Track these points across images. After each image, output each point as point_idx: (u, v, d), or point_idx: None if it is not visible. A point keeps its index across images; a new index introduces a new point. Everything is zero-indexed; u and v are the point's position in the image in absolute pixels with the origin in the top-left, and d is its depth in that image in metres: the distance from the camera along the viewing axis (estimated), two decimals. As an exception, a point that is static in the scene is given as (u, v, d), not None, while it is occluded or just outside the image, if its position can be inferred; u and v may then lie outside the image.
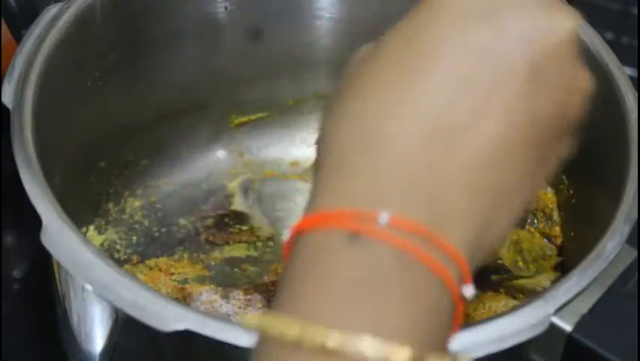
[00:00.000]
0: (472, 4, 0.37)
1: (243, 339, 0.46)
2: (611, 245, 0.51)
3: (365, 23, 0.72)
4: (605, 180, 0.60)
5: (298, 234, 0.36)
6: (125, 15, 0.68)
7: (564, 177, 0.66)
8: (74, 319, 0.58)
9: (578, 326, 0.48)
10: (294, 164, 0.76)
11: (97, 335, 0.56)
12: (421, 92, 0.36)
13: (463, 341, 0.46)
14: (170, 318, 0.47)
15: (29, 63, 0.59)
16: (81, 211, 0.67)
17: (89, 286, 0.49)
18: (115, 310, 0.51)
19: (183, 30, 0.71)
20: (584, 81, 0.40)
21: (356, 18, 0.72)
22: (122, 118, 0.70)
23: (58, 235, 0.51)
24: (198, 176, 0.75)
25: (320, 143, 0.38)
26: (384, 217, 0.34)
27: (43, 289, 0.70)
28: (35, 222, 0.49)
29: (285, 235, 0.36)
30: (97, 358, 0.58)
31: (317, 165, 0.38)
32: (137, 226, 0.71)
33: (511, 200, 0.37)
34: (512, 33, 0.37)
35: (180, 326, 0.47)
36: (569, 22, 0.38)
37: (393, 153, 0.35)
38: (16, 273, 0.73)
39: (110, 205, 0.71)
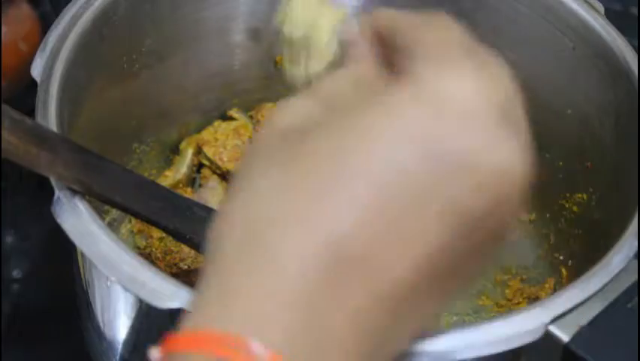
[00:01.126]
0: (413, 125, 0.34)
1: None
2: (618, 259, 0.50)
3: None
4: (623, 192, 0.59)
5: (171, 351, 0.34)
6: (166, 2, 0.69)
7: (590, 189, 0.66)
8: (98, 307, 0.58)
9: (576, 338, 0.47)
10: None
11: (120, 323, 0.57)
12: (330, 212, 0.33)
13: (456, 342, 0.46)
14: (167, 296, 0.48)
15: (62, 39, 0.60)
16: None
17: (113, 277, 0.49)
18: (139, 299, 0.51)
19: (220, 19, 0.71)
20: (514, 214, 0.37)
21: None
22: (154, 104, 0.71)
23: (68, 206, 0.51)
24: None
25: (214, 231, 0.35)
26: (259, 350, 0.32)
27: (43, 289, 0.71)
28: (35, 222, 0.50)
29: (155, 354, 0.35)
30: (120, 346, 0.58)
31: (206, 256, 0.35)
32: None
33: (408, 329, 0.36)
34: (444, 162, 0.34)
35: (175, 305, 0.47)
36: (511, 158, 0.36)
37: (282, 277, 0.33)
38: (16, 273, 0.74)
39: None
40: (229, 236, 0.34)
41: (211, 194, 0.70)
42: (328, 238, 0.33)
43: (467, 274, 0.36)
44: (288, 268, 0.32)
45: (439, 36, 0.36)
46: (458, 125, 0.34)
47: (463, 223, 0.34)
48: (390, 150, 0.33)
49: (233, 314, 0.33)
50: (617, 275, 0.50)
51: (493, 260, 0.37)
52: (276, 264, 0.33)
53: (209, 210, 0.57)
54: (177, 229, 0.55)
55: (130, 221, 0.71)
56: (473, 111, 0.34)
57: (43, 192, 0.53)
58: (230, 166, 0.72)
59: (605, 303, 0.49)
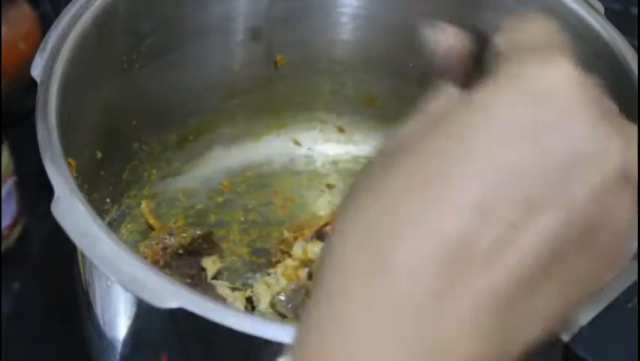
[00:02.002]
0: (514, 120, 0.33)
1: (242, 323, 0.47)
2: (618, 259, 0.50)
3: (389, 20, 0.72)
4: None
5: None
6: (166, 2, 0.69)
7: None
8: (97, 306, 0.58)
9: (576, 338, 0.47)
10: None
11: (120, 323, 0.57)
12: (440, 214, 0.32)
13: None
14: (167, 296, 0.48)
15: (62, 39, 0.60)
16: (103, 191, 0.68)
17: (113, 277, 0.49)
18: (139, 299, 0.51)
19: (220, 19, 0.71)
20: (623, 213, 0.34)
21: (380, 15, 0.72)
22: (154, 104, 0.71)
23: (68, 206, 0.51)
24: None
25: (326, 250, 0.35)
26: None
27: (43, 289, 0.71)
28: (35, 222, 0.50)
29: None
30: (120, 346, 0.58)
31: (317, 273, 0.35)
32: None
33: (532, 326, 0.34)
34: (551, 158, 0.33)
35: (175, 304, 0.47)
36: (618, 153, 0.33)
37: (405, 277, 0.32)
38: (16, 273, 0.74)
39: (133, 190, 0.72)
40: (349, 249, 0.34)
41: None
42: (445, 238, 0.32)
43: (590, 274, 0.35)
44: (404, 280, 0.32)
45: (531, 38, 0.36)
46: (562, 116, 0.33)
47: (577, 218, 0.33)
48: (495, 146, 0.33)
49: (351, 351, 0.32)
50: (617, 275, 0.50)
51: (617, 264, 0.36)
52: (391, 276, 0.32)
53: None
54: None
55: (130, 221, 0.71)
56: (576, 104, 0.33)
57: (43, 192, 0.53)
58: None
59: (605, 303, 0.49)
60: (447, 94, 0.37)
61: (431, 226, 0.32)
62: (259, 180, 0.76)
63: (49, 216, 0.51)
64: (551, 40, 0.36)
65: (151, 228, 0.71)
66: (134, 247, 0.69)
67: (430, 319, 0.32)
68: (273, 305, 0.66)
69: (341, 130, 0.78)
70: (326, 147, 0.78)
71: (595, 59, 0.64)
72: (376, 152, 0.36)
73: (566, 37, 0.36)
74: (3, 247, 0.74)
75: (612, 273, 0.36)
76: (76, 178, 0.54)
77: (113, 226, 0.69)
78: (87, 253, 0.50)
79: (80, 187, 0.53)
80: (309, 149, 0.78)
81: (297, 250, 0.68)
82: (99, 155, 0.66)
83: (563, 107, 0.33)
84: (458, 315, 0.32)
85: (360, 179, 0.36)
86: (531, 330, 0.34)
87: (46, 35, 0.61)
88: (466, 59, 0.38)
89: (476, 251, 0.32)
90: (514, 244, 0.32)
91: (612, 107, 0.35)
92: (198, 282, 0.67)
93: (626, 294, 0.49)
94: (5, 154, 0.72)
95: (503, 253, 0.32)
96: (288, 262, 0.68)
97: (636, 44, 0.64)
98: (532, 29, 0.36)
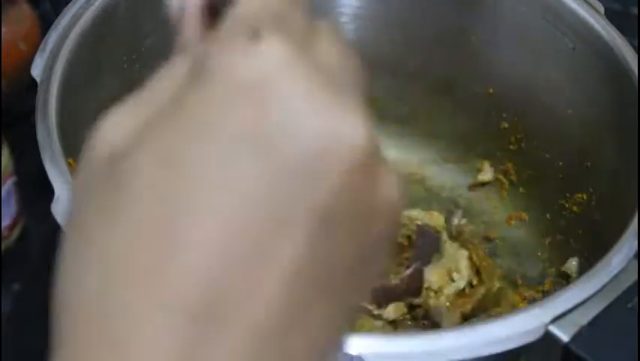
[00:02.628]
0: (232, 129, 0.27)
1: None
2: (618, 259, 0.50)
3: (389, 20, 0.72)
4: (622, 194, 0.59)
5: None
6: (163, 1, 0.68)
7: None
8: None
9: (576, 338, 0.47)
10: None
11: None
12: (174, 269, 0.27)
13: (456, 342, 0.46)
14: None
15: (62, 39, 0.60)
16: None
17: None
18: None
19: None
20: (388, 194, 0.30)
21: (380, 15, 0.72)
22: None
23: (68, 206, 0.51)
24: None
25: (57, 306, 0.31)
26: None
27: (43, 289, 0.71)
28: (35, 222, 0.49)
29: None
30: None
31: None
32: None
33: (309, 347, 0.29)
34: (287, 169, 0.27)
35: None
36: (358, 131, 0.28)
37: (150, 357, 0.27)
38: (16, 273, 0.74)
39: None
40: (68, 328, 0.30)
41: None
42: (182, 305, 0.27)
43: (362, 281, 0.31)
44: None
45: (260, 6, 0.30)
46: (281, 115, 0.28)
47: (327, 222, 0.28)
48: (208, 169, 0.27)
49: None
50: (617, 275, 0.50)
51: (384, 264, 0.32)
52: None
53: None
54: None
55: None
56: (291, 96, 0.28)
57: (43, 192, 0.53)
58: None
59: (605, 303, 0.49)
60: (168, 74, 0.31)
61: (166, 295, 0.27)
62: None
63: (49, 216, 0.51)
64: (279, 12, 0.30)
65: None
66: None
67: None
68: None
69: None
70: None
71: (595, 59, 0.64)
72: (87, 156, 0.30)
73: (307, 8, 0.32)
74: (3, 247, 0.74)
75: (382, 259, 0.31)
76: (77, 178, 0.54)
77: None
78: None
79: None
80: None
81: None
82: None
83: (281, 103, 0.28)
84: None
85: (73, 210, 0.30)
86: (314, 348, 0.29)
87: (46, 35, 0.61)
88: (201, 15, 0.33)
89: (227, 303, 0.27)
90: (269, 279, 0.27)
91: (332, 84, 0.29)
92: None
93: (626, 294, 0.50)
94: (5, 154, 0.72)
95: (259, 294, 0.27)
96: None
97: (636, 44, 0.64)
98: None
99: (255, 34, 0.28)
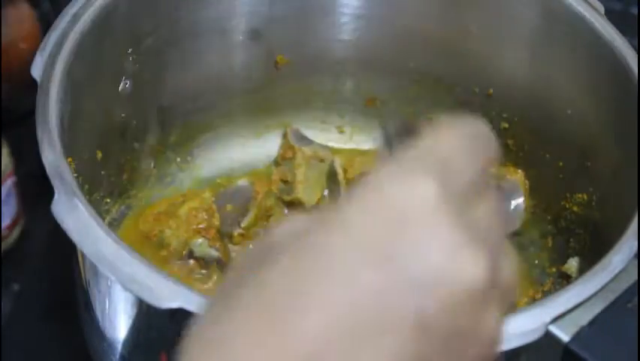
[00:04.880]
0: (372, 241, 0.33)
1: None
2: (618, 259, 0.50)
3: (389, 20, 0.72)
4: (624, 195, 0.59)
5: None
6: (166, 2, 0.69)
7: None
8: (97, 306, 0.59)
9: (576, 338, 0.48)
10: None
11: (120, 323, 0.57)
12: (291, 338, 0.32)
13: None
14: (167, 296, 0.48)
15: (62, 39, 0.60)
16: (106, 193, 0.68)
17: (113, 277, 0.49)
18: (139, 299, 0.51)
19: (220, 19, 0.71)
20: (488, 328, 0.35)
21: (380, 15, 0.72)
22: (154, 104, 0.71)
23: (68, 206, 0.51)
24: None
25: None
26: None
27: (43, 289, 0.71)
28: (35, 222, 0.50)
29: None
30: (120, 346, 0.59)
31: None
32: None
33: None
34: (405, 281, 0.32)
35: (175, 304, 0.47)
36: (474, 270, 0.33)
37: None
38: (16, 273, 0.74)
39: (133, 190, 0.72)
40: None
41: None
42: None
43: None
44: None
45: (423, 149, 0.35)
46: (420, 239, 0.33)
47: (435, 337, 0.33)
48: (343, 268, 0.33)
49: None
50: (617, 275, 0.50)
51: None
52: None
53: None
54: None
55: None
56: (435, 227, 0.33)
57: (43, 192, 0.53)
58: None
59: (605, 303, 0.49)
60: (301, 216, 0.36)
61: (282, 351, 0.32)
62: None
63: (49, 216, 0.51)
64: (440, 154, 0.35)
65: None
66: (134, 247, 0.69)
67: None
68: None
69: (341, 130, 0.78)
70: (326, 146, 0.78)
71: (595, 59, 0.64)
72: (259, 239, 0.36)
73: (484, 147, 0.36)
74: (3, 247, 0.74)
75: None
76: (76, 178, 0.54)
77: (113, 226, 0.69)
78: (87, 253, 0.50)
79: (80, 187, 0.53)
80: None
81: None
82: (99, 155, 0.66)
83: (417, 230, 0.33)
84: None
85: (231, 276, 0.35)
86: None
87: (46, 35, 0.61)
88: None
89: None
90: None
91: (465, 227, 0.34)
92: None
93: (626, 294, 0.50)
94: (5, 154, 0.72)
95: None
96: None
97: (636, 44, 0.64)
98: (441, 134, 0.36)
99: (412, 171, 0.34)
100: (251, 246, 0.37)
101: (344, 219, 0.33)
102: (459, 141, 0.36)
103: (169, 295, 0.48)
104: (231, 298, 0.34)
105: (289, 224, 0.36)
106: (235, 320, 0.33)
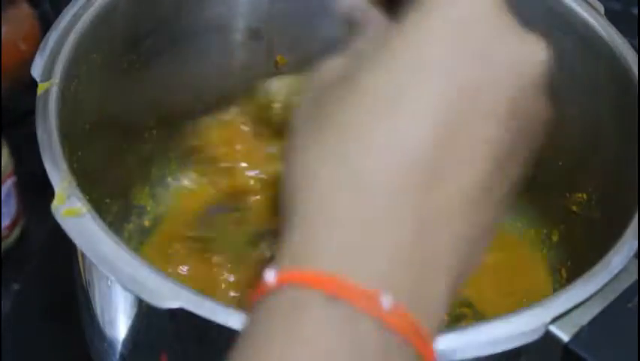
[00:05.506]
0: (460, 36, 0.36)
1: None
2: (618, 259, 0.50)
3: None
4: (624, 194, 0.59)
5: (289, 282, 0.33)
6: (166, 2, 0.69)
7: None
8: (97, 306, 0.59)
9: (576, 338, 0.47)
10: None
11: (120, 323, 0.57)
12: (404, 131, 0.34)
13: (456, 341, 0.46)
14: (167, 296, 0.48)
15: (62, 39, 0.60)
16: (106, 192, 0.68)
17: (113, 277, 0.49)
18: (139, 299, 0.51)
19: (220, 19, 0.71)
20: (546, 110, 0.39)
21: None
22: (154, 104, 0.71)
23: (68, 206, 0.51)
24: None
25: (290, 187, 0.36)
26: (384, 301, 0.33)
27: (43, 289, 0.71)
28: (35, 222, 0.49)
29: (270, 277, 0.34)
30: (120, 346, 0.59)
31: (289, 210, 0.35)
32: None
33: (484, 238, 0.37)
34: (500, 66, 0.36)
35: (175, 304, 0.47)
36: (544, 54, 0.38)
37: (382, 188, 0.34)
38: (16, 273, 0.74)
39: (133, 190, 0.72)
40: (310, 175, 0.35)
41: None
42: (407, 153, 0.34)
43: (521, 164, 0.39)
44: (376, 188, 0.34)
45: None
46: (493, 34, 0.36)
47: (513, 114, 0.36)
48: (444, 68, 0.35)
49: (338, 253, 0.33)
50: (617, 275, 0.50)
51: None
52: (364, 188, 0.34)
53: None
54: None
55: (131, 221, 0.71)
56: (499, 22, 0.37)
57: (43, 192, 0.53)
58: None
59: (605, 303, 0.49)
60: (373, 30, 0.40)
61: (402, 143, 0.34)
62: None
63: (49, 216, 0.51)
64: None
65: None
66: (134, 247, 0.69)
67: (413, 245, 0.34)
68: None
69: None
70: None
71: (595, 59, 0.64)
72: (311, 85, 0.38)
73: None
74: (3, 247, 0.74)
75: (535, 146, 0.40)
76: (76, 178, 0.54)
77: (113, 226, 0.69)
78: (87, 253, 0.50)
79: (80, 187, 0.53)
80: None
81: None
82: (99, 155, 0.66)
83: (490, 24, 0.36)
84: (438, 232, 0.34)
85: (306, 105, 0.38)
86: (494, 214, 0.37)
87: (46, 35, 0.61)
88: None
89: (445, 162, 0.35)
90: (477, 150, 0.35)
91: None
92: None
93: (626, 294, 0.50)
94: (5, 154, 0.72)
95: (467, 158, 0.35)
96: None
97: (636, 44, 0.64)
98: None
99: None
100: (310, 89, 0.38)
101: (417, 34, 0.36)
102: None
103: (169, 295, 0.47)
104: (318, 127, 0.36)
105: (329, 64, 0.39)
106: (336, 138, 0.35)
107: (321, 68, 0.39)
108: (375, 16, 0.42)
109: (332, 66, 0.38)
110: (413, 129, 0.34)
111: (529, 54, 0.37)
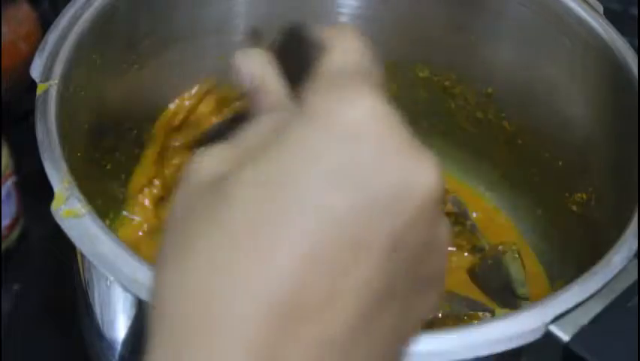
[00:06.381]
0: (330, 163, 0.32)
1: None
2: (618, 259, 0.50)
3: (388, 20, 0.72)
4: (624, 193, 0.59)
5: None
6: (166, 2, 0.69)
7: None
8: (97, 306, 0.59)
9: (576, 337, 0.47)
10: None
11: (120, 323, 0.57)
12: (269, 266, 0.31)
13: (456, 342, 0.46)
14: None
15: (62, 39, 0.60)
16: (104, 193, 0.68)
17: (113, 277, 0.49)
18: (139, 299, 0.51)
19: (220, 19, 0.71)
20: (443, 234, 0.35)
21: (380, 15, 0.72)
22: (154, 104, 0.71)
23: (68, 206, 0.51)
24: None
25: (155, 305, 0.34)
26: None
27: (43, 289, 0.71)
28: (35, 222, 0.49)
29: None
30: (120, 346, 0.59)
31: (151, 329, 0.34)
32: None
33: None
34: (380, 194, 0.32)
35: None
36: (434, 175, 0.33)
37: (238, 336, 0.31)
38: (16, 273, 0.74)
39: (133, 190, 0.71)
40: (173, 313, 0.33)
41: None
42: (270, 298, 0.31)
43: (422, 304, 0.36)
44: (237, 340, 0.31)
45: (341, 60, 0.36)
46: (372, 154, 0.33)
47: (399, 248, 0.33)
48: (316, 195, 0.32)
49: None
50: (617, 275, 0.50)
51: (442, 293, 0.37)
52: (232, 324, 0.31)
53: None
54: None
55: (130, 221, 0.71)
56: (382, 140, 0.33)
57: (43, 192, 0.53)
58: None
59: (605, 303, 0.49)
60: (259, 125, 0.35)
61: (259, 287, 0.31)
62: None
63: (49, 216, 0.51)
64: (359, 65, 0.36)
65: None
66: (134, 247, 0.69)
67: None
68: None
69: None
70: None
71: (595, 59, 0.64)
72: (186, 182, 0.35)
73: (372, 55, 0.38)
74: (3, 247, 0.74)
75: (440, 289, 0.36)
76: (76, 178, 0.54)
77: (113, 226, 0.69)
78: (87, 253, 0.49)
79: (80, 187, 0.53)
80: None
81: None
82: (99, 155, 0.66)
83: (371, 146, 0.33)
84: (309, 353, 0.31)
85: (174, 223, 0.34)
86: (391, 339, 0.34)
87: (46, 35, 0.61)
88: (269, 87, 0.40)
89: (308, 305, 0.31)
90: (346, 290, 0.32)
91: (409, 133, 0.34)
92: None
93: (626, 294, 0.50)
94: (5, 154, 0.72)
95: (336, 302, 0.32)
96: None
97: (636, 44, 0.64)
98: (343, 48, 0.37)
99: (346, 86, 0.34)
100: (184, 185, 0.35)
101: (299, 143, 0.33)
102: (359, 47, 0.38)
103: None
104: (185, 247, 0.32)
105: (209, 160, 0.35)
106: (198, 269, 0.32)
107: (202, 160, 0.35)
108: (274, 90, 0.40)
109: (211, 163, 0.35)
110: (273, 271, 0.31)
111: (416, 177, 0.33)
